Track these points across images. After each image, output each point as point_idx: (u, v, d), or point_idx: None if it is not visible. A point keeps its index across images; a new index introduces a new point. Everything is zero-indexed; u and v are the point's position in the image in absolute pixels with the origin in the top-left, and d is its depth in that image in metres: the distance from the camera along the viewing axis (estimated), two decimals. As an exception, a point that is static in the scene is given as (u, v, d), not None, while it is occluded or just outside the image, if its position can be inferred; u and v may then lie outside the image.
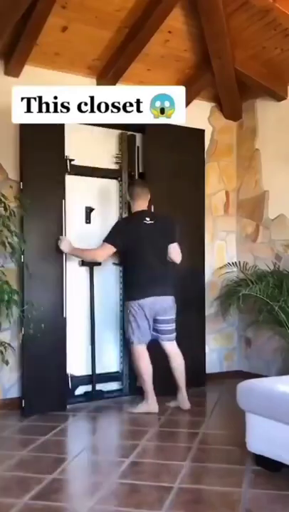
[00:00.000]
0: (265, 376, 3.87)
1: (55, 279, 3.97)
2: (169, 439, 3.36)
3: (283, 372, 4.27)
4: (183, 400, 3.93)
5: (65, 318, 4.01)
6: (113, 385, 4.36)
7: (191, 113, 4.82)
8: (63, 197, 4.01)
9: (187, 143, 4.54)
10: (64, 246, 3.90)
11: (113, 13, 3.77)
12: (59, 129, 3.99)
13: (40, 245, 3.92)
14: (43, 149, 3.92)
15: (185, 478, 2.70)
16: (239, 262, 4.87)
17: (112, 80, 4.35)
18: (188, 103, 4.82)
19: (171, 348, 3.95)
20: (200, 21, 3.92)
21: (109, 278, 4.36)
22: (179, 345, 3.97)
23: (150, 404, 3.86)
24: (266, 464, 2.74)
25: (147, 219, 3.91)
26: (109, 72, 4.28)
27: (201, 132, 4.69)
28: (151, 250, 3.86)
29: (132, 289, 3.95)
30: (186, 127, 4.43)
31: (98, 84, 4.43)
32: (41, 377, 3.87)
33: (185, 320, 4.17)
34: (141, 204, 3.95)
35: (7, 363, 3.60)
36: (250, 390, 2.85)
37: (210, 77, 4.54)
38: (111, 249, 3.86)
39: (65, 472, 2.83)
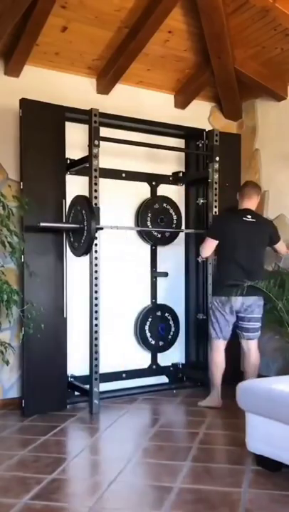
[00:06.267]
0: (266, 376, 3.87)
1: (55, 279, 3.97)
2: (169, 439, 3.36)
3: (283, 372, 4.27)
4: None
5: (66, 318, 4.02)
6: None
7: (191, 113, 4.85)
8: (64, 197, 4.01)
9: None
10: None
11: (113, 13, 3.76)
12: (59, 129, 4.00)
13: (41, 245, 3.92)
14: (43, 149, 3.92)
15: (185, 478, 2.70)
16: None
17: (112, 80, 4.35)
18: (188, 103, 4.84)
19: (248, 347, 4.02)
20: (200, 21, 3.91)
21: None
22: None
23: (213, 399, 3.96)
24: (266, 464, 2.75)
25: (248, 216, 3.99)
26: (109, 72, 4.28)
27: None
28: (244, 248, 3.92)
29: (217, 284, 4.09)
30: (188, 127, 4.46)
31: (98, 84, 4.44)
32: (41, 377, 3.87)
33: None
34: (246, 203, 4.05)
35: (7, 363, 3.60)
36: (250, 390, 2.86)
37: (210, 77, 4.54)
38: (212, 242, 3.99)
39: (65, 472, 2.83)
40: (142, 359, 4.58)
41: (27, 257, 3.79)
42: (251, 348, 4.02)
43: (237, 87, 4.61)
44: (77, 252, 3.99)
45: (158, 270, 4.64)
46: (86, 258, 3.94)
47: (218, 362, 3.98)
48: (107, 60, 4.23)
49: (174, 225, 4.66)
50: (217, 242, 3.99)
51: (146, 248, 4.63)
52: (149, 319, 4.55)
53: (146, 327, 4.54)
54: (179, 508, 2.36)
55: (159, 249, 4.66)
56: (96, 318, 3.90)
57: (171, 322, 4.68)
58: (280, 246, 4.19)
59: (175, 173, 4.76)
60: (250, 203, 4.08)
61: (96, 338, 3.90)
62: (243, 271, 3.89)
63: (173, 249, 4.74)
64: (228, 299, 3.89)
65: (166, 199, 4.67)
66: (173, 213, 4.67)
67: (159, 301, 4.65)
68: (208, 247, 4.02)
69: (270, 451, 2.70)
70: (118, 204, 4.41)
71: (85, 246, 3.87)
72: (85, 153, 3.94)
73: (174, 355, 4.73)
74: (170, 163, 4.75)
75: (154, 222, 4.56)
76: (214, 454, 3.12)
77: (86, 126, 3.93)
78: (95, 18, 3.78)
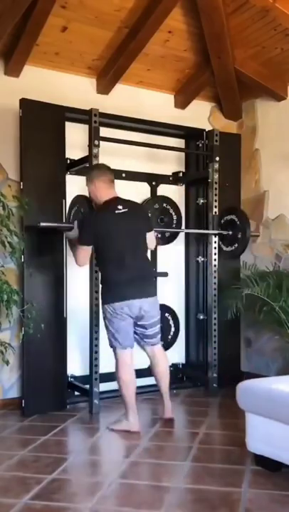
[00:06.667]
0: (265, 376, 3.87)
1: (55, 279, 3.97)
2: (169, 439, 3.36)
3: (283, 372, 4.27)
4: (165, 408, 3.64)
5: (66, 318, 4.02)
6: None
7: (191, 113, 4.85)
8: (64, 197, 4.01)
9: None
10: (74, 232, 3.64)
11: (113, 13, 3.76)
12: (59, 129, 4.00)
13: (41, 245, 3.92)
14: (43, 149, 3.92)
15: (185, 478, 2.70)
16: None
17: (112, 80, 4.35)
18: (188, 103, 4.84)
19: (155, 351, 3.62)
20: (200, 21, 3.91)
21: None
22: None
23: (131, 422, 3.42)
24: (266, 464, 2.74)
25: (120, 207, 3.45)
26: (109, 72, 4.28)
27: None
28: (126, 244, 3.43)
29: (105, 291, 3.51)
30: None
31: (98, 84, 4.44)
32: (41, 377, 3.87)
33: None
34: (111, 191, 3.53)
35: (7, 363, 3.60)
36: (250, 390, 2.86)
37: (210, 77, 4.54)
38: (86, 250, 3.49)
39: (65, 472, 2.82)
40: (142, 359, 4.56)
41: (27, 257, 3.80)
42: (157, 353, 3.60)
43: (237, 87, 4.61)
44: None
45: (158, 270, 4.64)
46: (86, 258, 3.94)
47: (127, 380, 3.42)
48: (107, 60, 4.23)
49: (174, 225, 4.66)
50: (91, 247, 3.50)
51: (146, 248, 4.63)
52: (149, 319, 4.54)
53: (146, 327, 4.53)
54: (179, 508, 2.36)
55: (159, 249, 4.66)
56: (96, 318, 3.90)
57: (171, 322, 4.68)
58: (149, 237, 3.57)
59: (175, 173, 4.76)
60: (112, 190, 3.54)
61: (96, 338, 3.90)
62: (130, 271, 3.39)
63: (173, 249, 4.74)
64: (124, 303, 3.38)
65: (166, 199, 4.67)
66: (173, 213, 4.67)
67: (159, 301, 4.63)
68: (83, 256, 3.49)
69: (270, 451, 2.70)
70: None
71: (85, 246, 3.85)
72: (85, 153, 3.94)
73: (174, 355, 4.72)
74: (170, 163, 4.75)
75: (154, 222, 4.56)
76: (214, 454, 3.12)
77: (86, 126, 3.93)
78: (95, 18, 3.78)
